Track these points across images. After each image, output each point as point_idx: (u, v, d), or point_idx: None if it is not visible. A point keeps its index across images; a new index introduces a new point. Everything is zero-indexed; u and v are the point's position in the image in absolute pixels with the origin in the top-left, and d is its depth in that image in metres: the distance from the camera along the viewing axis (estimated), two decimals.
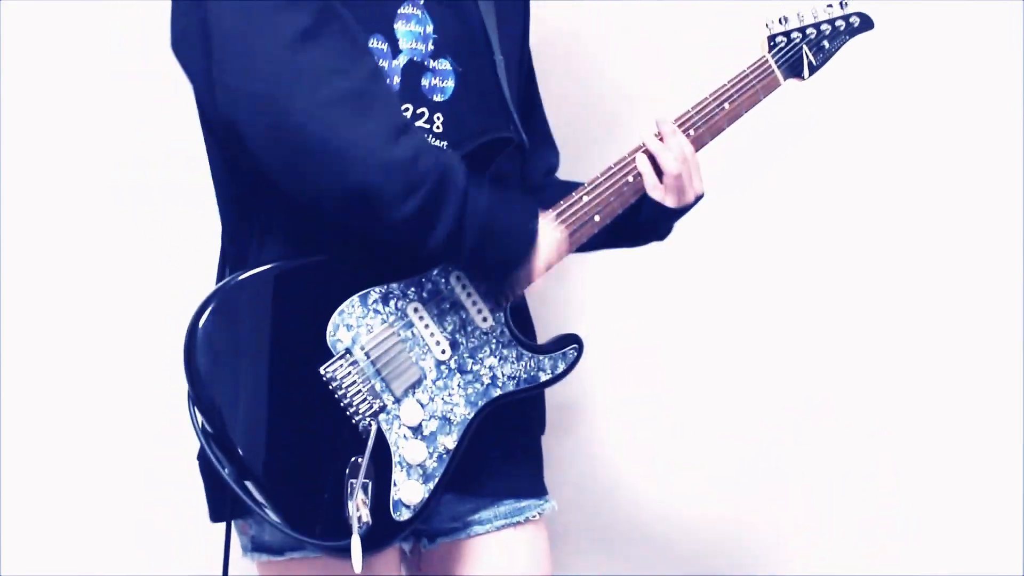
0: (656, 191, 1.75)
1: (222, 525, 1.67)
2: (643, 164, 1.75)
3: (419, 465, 1.61)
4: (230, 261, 1.69)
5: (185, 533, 2.25)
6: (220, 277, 1.72)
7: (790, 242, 2.42)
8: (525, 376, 1.69)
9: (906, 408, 2.40)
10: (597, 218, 1.73)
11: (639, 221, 1.80)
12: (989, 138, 2.38)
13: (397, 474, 1.60)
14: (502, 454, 1.73)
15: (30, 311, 2.34)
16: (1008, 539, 2.37)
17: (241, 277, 1.58)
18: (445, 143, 1.66)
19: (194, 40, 1.56)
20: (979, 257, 2.39)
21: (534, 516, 1.79)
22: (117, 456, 2.36)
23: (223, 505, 1.67)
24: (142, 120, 2.33)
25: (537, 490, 1.83)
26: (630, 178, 1.76)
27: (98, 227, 2.34)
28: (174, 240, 2.30)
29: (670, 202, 1.76)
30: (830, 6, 1.93)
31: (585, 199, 1.73)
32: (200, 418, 1.56)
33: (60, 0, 2.31)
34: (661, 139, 1.76)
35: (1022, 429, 2.37)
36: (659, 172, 1.75)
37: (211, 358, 1.55)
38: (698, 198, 1.81)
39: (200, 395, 1.55)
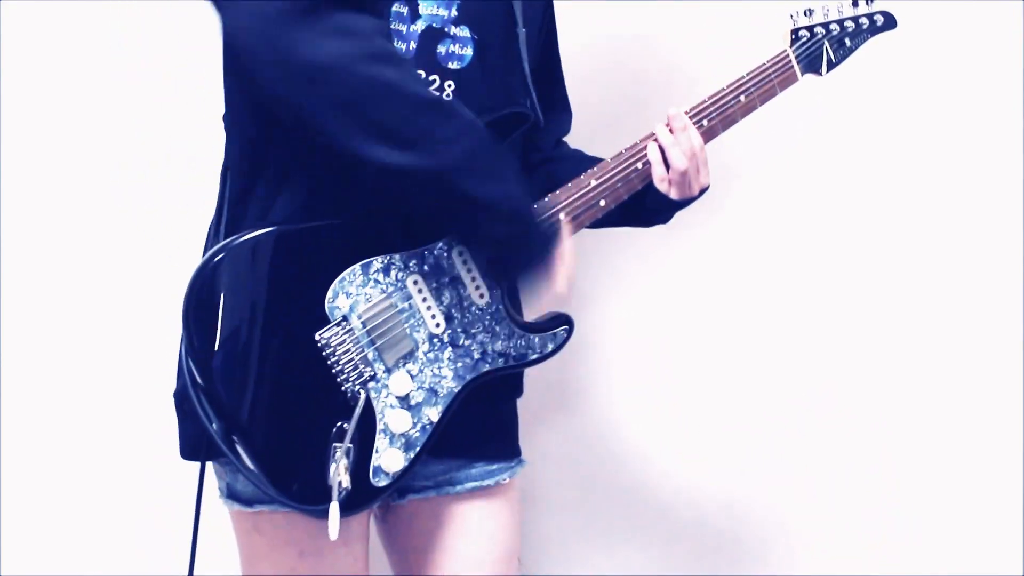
0: (662, 184, 1.76)
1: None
2: (654, 154, 1.76)
3: (403, 434, 1.64)
4: (231, 222, 1.67)
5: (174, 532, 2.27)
6: (212, 239, 1.70)
7: (794, 236, 2.42)
8: (514, 354, 1.71)
9: (907, 407, 2.42)
10: (603, 203, 1.74)
11: (644, 204, 1.81)
12: (990, 137, 2.38)
13: (380, 441, 1.62)
14: (477, 417, 1.74)
15: (29, 310, 2.33)
16: (1008, 539, 2.40)
17: (246, 236, 1.58)
18: None
19: None
20: (980, 257, 2.40)
21: (504, 479, 1.82)
22: (112, 454, 2.38)
23: (196, 444, 1.67)
24: (142, 120, 2.30)
25: (510, 453, 1.85)
26: (639, 165, 1.76)
27: (98, 227, 2.33)
28: (174, 240, 2.28)
29: (674, 194, 1.77)
30: (856, 4, 1.92)
31: (593, 183, 1.73)
32: (191, 367, 1.57)
33: (60, 0, 2.27)
34: (672, 132, 1.76)
35: (1022, 429, 2.40)
36: (667, 164, 1.76)
37: (209, 311, 1.56)
38: (702, 191, 1.82)
39: (194, 345, 1.56)
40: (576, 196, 1.72)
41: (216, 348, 1.56)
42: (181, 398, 1.66)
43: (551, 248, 1.63)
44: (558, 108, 1.93)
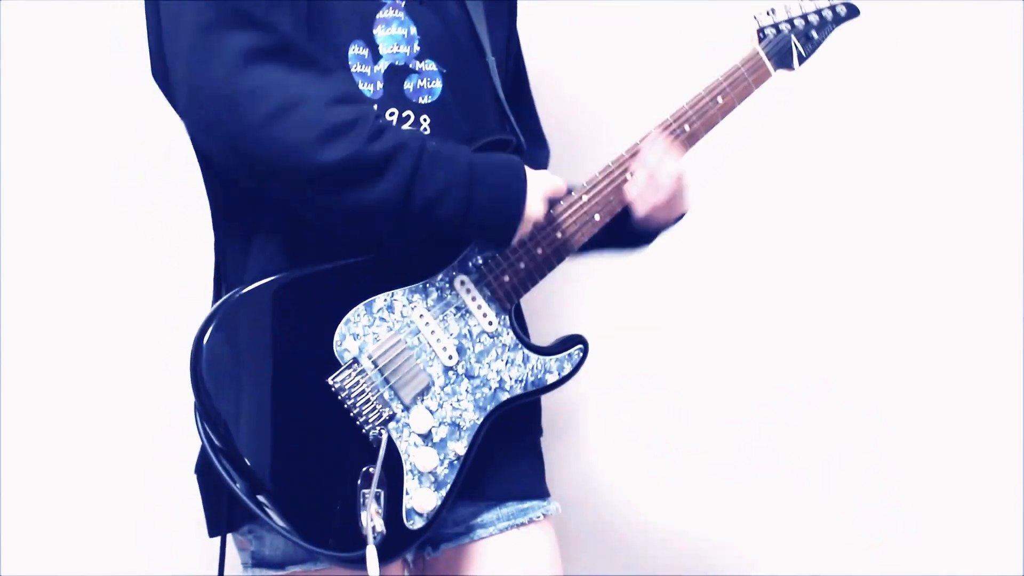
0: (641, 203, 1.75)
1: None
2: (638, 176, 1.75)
3: (430, 472, 1.60)
4: (225, 275, 1.67)
5: (185, 547, 2.23)
6: (216, 293, 1.70)
7: (788, 241, 2.41)
8: (532, 379, 1.69)
9: (906, 408, 2.39)
10: (597, 217, 1.73)
11: (630, 224, 1.79)
12: (988, 135, 2.37)
13: (409, 482, 1.59)
14: (503, 457, 1.72)
15: (30, 312, 2.30)
16: (1008, 539, 2.36)
17: (244, 290, 1.56)
18: None
19: (161, 64, 1.57)
20: (979, 256, 2.38)
21: (538, 517, 1.78)
22: (117, 461, 2.32)
23: (221, 519, 1.65)
24: (142, 120, 2.30)
25: (540, 491, 1.81)
26: (628, 176, 1.75)
27: (98, 227, 2.31)
28: (174, 241, 2.27)
29: (660, 214, 1.76)
30: None
31: (585, 199, 1.72)
32: (208, 432, 1.54)
33: (60, 0, 2.28)
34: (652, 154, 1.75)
35: (1022, 429, 2.37)
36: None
37: (218, 372, 1.53)
38: (679, 217, 1.82)
39: (208, 409, 1.53)
40: (570, 212, 1.71)
41: (230, 408, 1.53)
42: (203, 470, 1.63)
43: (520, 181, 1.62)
44: (533, 141, 1.93)
